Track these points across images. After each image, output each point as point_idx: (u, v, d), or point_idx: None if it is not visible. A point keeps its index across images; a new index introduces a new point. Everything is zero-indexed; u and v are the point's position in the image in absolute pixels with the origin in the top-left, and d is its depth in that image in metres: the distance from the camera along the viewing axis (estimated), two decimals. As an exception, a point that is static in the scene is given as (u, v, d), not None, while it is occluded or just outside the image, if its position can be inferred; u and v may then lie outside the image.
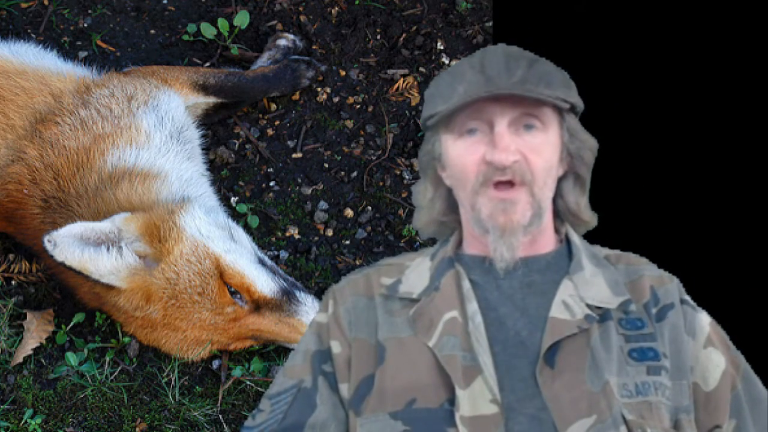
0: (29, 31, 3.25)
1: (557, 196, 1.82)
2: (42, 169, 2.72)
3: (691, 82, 2.48)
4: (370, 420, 1.70)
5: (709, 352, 1.78)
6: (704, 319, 1.81)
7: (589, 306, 1.73)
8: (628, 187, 2.41)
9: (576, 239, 1.83)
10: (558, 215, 1.84)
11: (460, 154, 1.75)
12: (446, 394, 1.68)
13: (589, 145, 1.82)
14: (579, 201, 1.83)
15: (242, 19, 3.22)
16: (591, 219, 1.86)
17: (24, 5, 3.30)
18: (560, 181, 1.81)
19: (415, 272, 1.83)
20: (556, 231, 1.84)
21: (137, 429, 2.64)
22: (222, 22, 3.21)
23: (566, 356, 1.69)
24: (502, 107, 1.72)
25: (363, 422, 1.71)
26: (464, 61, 1.80)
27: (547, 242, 1.81)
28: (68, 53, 3.17)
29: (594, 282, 1.76)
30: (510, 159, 1.71)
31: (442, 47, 3.22)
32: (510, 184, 1.73)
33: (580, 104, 1.81)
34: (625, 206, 2.40)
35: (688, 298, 1.83)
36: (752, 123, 2.46)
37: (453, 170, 1.78)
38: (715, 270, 2.39)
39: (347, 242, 2.95)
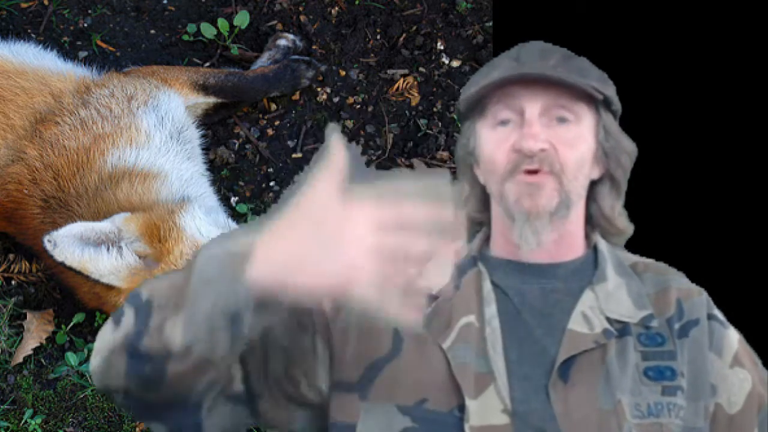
0: (29, 31, 3.25)
1: (591, 201, 1.78)
2: (42, 169, 2.72)
3: (697, 84, 2.46)
4: (377, 408, 1.67)
5: (736, 372, 1.71)
6: (733, 336, 1.74)
7: (608, 319, 1.69)
8: (649, 194, 2.37)
9: (603, 247, 1.78)
10: (590, 222, 1.80)
11: (492, 145, 1.73)
12: (457, 400, 1.64)
13: (626, 148, 1.78)
14: (614, 206, 1.79)
15: (242, 19, 3.22)
16: (626, 227, 1.82)
17: (24, 5, 3.30)
18: (596, 184, 1.78)
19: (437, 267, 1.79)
20: (587, 237, 1.80)
21: (137, 429, 2.64)
22: (222, 22, 3.20)
23: (581, 371, 1.65)
24: (533, 93, 1.71)
25: (369, 408, 1.67)
26: (503, 53, 1.79)
27: (574, 247, 1.77)
28: (68, 53, 3.17)
29: (616, 294, 1.72)
30: (537, 146, 1.68)
31: (442, 47, 3.22)
32: (538, 173, 1.70)
33: (616, 101, 1.78)
34: (649, 212, 2.35)
35: (717, 312, 1.76)
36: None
37: (484, 161, 1.75)
38: (746, 283, 2.32)
39: (347, 242, 2.95)
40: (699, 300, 1.75)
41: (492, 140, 1.74)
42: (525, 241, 1.71)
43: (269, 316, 1.44)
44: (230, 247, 1.43)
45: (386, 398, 1.67)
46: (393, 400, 1.67)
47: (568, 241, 1.76)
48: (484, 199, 1.81)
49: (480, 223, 1.83)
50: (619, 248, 1.83)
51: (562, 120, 1.72)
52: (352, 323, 1.71)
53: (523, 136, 1.70)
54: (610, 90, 1.77)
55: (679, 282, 1.77)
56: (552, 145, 1.70)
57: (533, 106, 1.71)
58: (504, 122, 1.73)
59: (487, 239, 1.82)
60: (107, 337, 1.55)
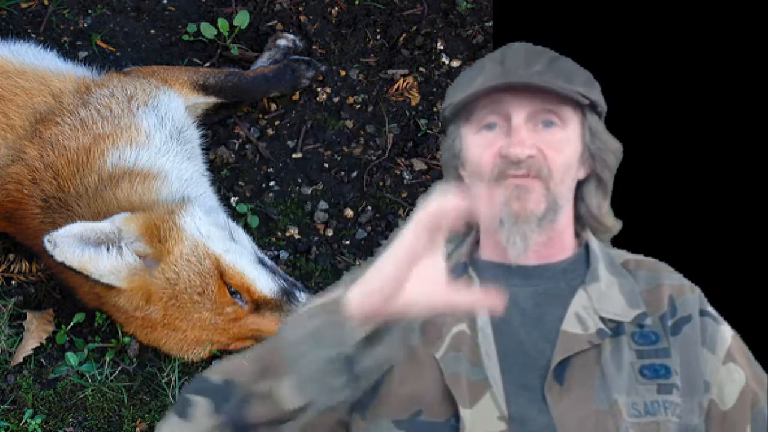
0: (29, 31, 3.25)
1: (579, 200, 1.79)
2: (42, 169, 2.72)
3: (699, 84, 2.46)
4: (375, 425, 1.67)
5: (729, 368, 1.72)
6: (726, 332, 1.75)
7: (602, 319, 1.69)
8: (640, 191, 2.38)
9: (595, 245, 1.78)
10: (579, 221, 1.80)
11: (478, 148, 1.73)
12: (453, 410, 1.64)
13: (612, 148, 1.78)
14: (601, 205, 1.79)
15: (242, 19, 3.22)
16: (614, 224, 1.82)
17: (24, 5, 3.30)
18: (582, 184, 1.78)
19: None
20: (577, 236, 1.80)
21: (137, 429, 2.64)
22: (222, 22, 3.21)
23: (576, 372, 1.65)
24: (520, 100, 1.70)
25: (367, 427, 1.68)
26: (488, 55, 1.79)
27: (564, 247, 1.77)
28: (68, 53, 3.17)
29: (609, 293, 1.72)
30: (525, 153, 1.68)
31: (442, 47, 3.22)
32: (525, 177, 1.70)
33: (601, 103, 1.78)
34: (643, 211, 2.35)
35: (710, 309, 1.76)
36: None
37: (470, 165, 1.75)
38: (738, 277, 2.32)
39: (347, 242, 2.95)
40: (692, 297, 1.75)
41: (478, 144, 1.74)
42: (513, 245, 1.71)
43: (381, 349, 1.50)
44: (321, 302, 1.52)
45: (383, 415, 1.67)
46: (389, 416, 1.67)
47: (557, 242, 1.76)
48: None
49: (468, 226, 1.83)
50: (610, 246, 1.83)
51: (548, 124, 1.72)
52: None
53: (511, 143, 1.69)
54: (595, 93, 1.77)
55: (671, 279, 1.77)
56: (539, 150, 1.70)
57: (520, 112, 1.71)
58: (489, 126, 1.73)
59: (476, 243, 1.81)
60: (176, 428, 1.59)
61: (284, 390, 1.50)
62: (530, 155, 1.69)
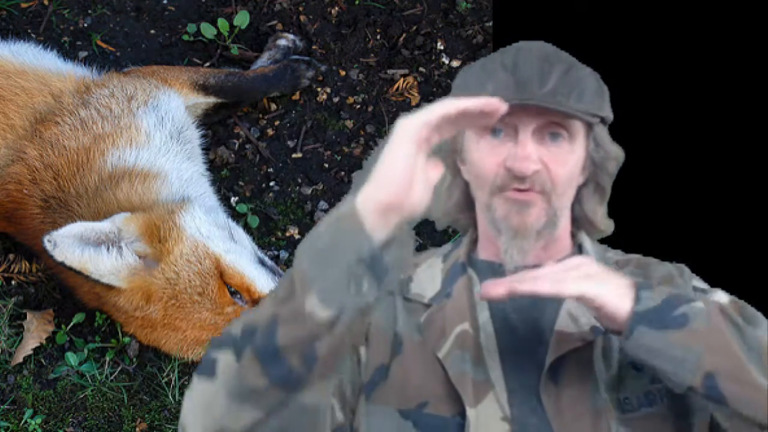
0: (29, 31, 3.25)
1: (575, 203, 1.78)
2: (42, 169, 2.72)
3: (698, 85, 2.46)
4: (379, 410, 1.67)
5: None
6: (721, 297, 1.72)
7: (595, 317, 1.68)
8: (638, 191, 2.38)
9: (588, 246, 1.79)
10: (575, 222, 1.80)
11: (482, 155, 1.71)
12: (458, 408, 1.65)
13: (614, 155, 1.77)
14: (596, 209, 1.79)
15: (242, 19, 3.23)
16: (606, 227, 1.82)
17: (24, 5, 3.30)
18: (580, 187, 1.77)
19: (427, 273, 1.79)
20: (572, 236, 1.80)
21: (137, 429, 2.64)
22: (222, 22, 3.21)
23: (570, 371, 1.65)
24: (529, 115, 1.67)
25: (372, 410, 1.68)
26: (497, 56, 1.74)
27: (561, 250, 1.77)
28: (68, 53, 3.17)
29: None
30: (531, 169, 1.66)
31: (442, 47, 3.22)
32: (528, 192, 1.69)
33: (610, 117, 1.76)
34: (638, 211, 2.36)
35: (698, 283, 1.76)
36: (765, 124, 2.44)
37: (472, 169, 1.74)
38: (737, 278, 2.33)
39: (347, 242, 2.95)
40: (680, 281, 1.75)
41: (482, 149, 1.71)
42: (510, 258, 1.70)
43: (396, 248, 1.48)
44: (332, 216, 1.49)
45: (388, 401, 1.67)
46: (395, 404, 1.67)
47: (555, 246, 1.76)
48: (467, 193, 1.79)
49: (462, 221, 1.83)
50: (603, 246, 1.84)
51: (555, 136, 1.70)
52: (371, 324, 1.72)
53: (516, 157, 1.67)
54: (606, 108, 1.75)
55: (658, 270, 1.76)
56: (544, 164, 1.68)
57: (528, 126, 1.68)
58: (495, 132, 1.70)
59: (474, 241, 1.81)
60: (205, 388, 1.55)
61: (311, 305, 1.46)
62: (536, 170, 1.68)
